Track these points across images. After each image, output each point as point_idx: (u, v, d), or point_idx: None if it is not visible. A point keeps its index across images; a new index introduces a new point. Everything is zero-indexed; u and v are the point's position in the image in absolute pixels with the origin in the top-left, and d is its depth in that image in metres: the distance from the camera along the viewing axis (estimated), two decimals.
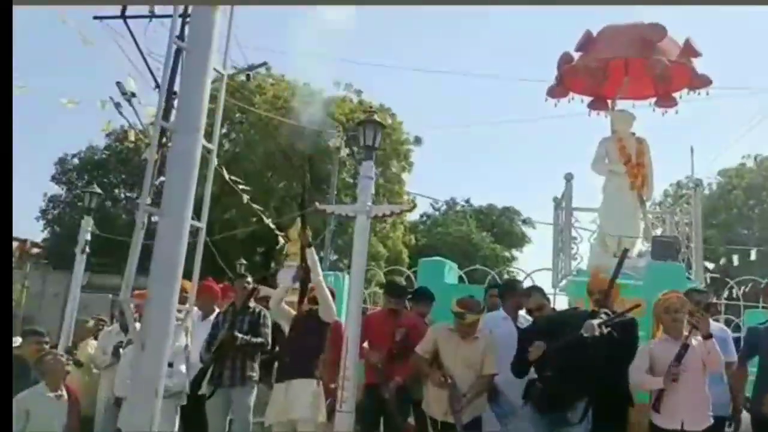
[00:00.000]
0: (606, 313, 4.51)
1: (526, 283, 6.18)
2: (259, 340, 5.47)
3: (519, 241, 32.46)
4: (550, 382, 4.55)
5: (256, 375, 5.46)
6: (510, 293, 5.47)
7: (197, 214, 3.01)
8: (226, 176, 10.53)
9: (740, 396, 4.94)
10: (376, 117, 4.50)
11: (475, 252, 26.50)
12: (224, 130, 20.37)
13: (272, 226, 12.34)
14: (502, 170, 55.86)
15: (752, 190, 27.09)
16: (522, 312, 5.46)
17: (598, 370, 4.56)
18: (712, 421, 4.52)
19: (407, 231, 23.25)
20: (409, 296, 5.70)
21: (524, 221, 32.15)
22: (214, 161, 3.24)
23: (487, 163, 53.82)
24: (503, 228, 32.01)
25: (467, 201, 32.05)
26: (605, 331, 4.35)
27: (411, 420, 5.24)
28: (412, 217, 28.59)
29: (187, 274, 3.05)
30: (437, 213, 32.31)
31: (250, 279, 5.63)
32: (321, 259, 11.52)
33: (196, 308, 6.01)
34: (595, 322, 4.37)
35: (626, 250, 5.01)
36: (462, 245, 27.48)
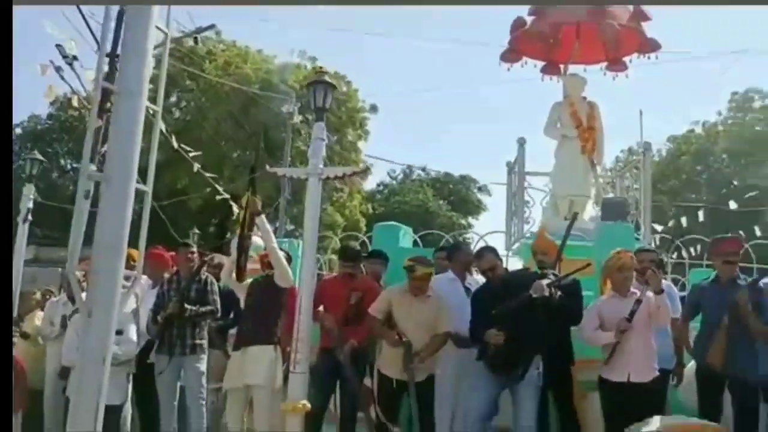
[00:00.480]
0: (554, 274, 4.59)
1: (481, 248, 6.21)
2: (209, 308, 5.40)
3: (475, 208, 32.84)
4: (503, 341, 4.62)
5: (205, 342, 5.41)
6: (457, 254, 5.50)
7: (143, 178, 2.93)
8: (175, 144, 10.21)
9: (683, 350, 5.10)
10: (326, 77, 4.41)
11: (432, 220, 26.66)
12: (174, 98, 19.84)
13: (225, 194, 12.09)
14: (458, 137, 56.18)
15: (700, 156, 27.85)
16: (472, 274, 5.53)
17: (547, 329, 4.67)
18: (657, 373, 4.69)
19: (364, 200, 23.23)
20: (364, 258, 5.70)
21: (480, 189, 32.48)
22: (160, 123, 3.14)
23: (442, 130, 54.01)
24: (460, 196, 32.30)
25: (424, 169, 32.18)
26: (554, 291, 4.43)
27: (367, 382, 5.26)
28: (369, 185, 28.63)
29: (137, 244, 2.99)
30: (394, 182, 32.38)
31: (194, 249, 5.52)
32: (276, 229, 11.48)
33: (145, 276, 5.93)
34: (544, 282, 4.44)
35: (576, 214, 5.10)
36: (419, 213, 27.62)
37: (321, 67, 4.40)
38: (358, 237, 8.81)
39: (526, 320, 4.48)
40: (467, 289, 5.33)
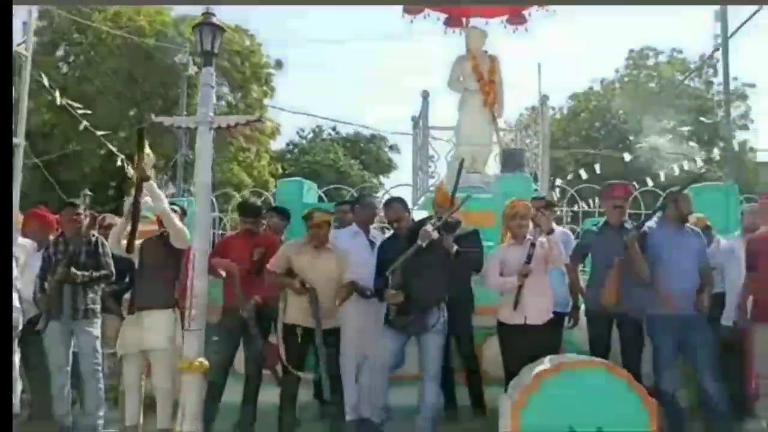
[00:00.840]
0: (439, 218, 4.62)
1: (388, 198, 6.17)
2: (102, 272, 5.10)
3: (386, 167, 32.96)
4: (406, 290, 4.64)
5: (98, 306, 5.13)
6: (360, 207, 5.46)
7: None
8: (59, 100, 9.44)
9: (578, 294, 5.29)
10: (214, 19, 4.14)
11: (344, 179, 26.53)
12: (61, 52, 18.37)
13: (118, 154, 11.44)
14: (365, 91, 55.96)
15: (598, 113, 29.04)
16: (373, 226, 5.51)
17: (447, 278, 4.74)
18: (552, 315, 4.87)
19: (273, 160, 22.71)
20: (265, 213, 5.55)
21: (391, 147, 32.59)
22: (29, 63, 2.84)
23: (351, 85, 53.51)
24: (371, 155, 32.28)
25: (334, 129, 31.85)
26: (443, 234, 4.49)
27: (273, 339, 5.17)
28: (278, 145, 28.02)
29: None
30: (304, 141, 31.89)
31: (81, 209, 5.16)
32: (178, 188, 11.06)
33: (28, 240, 5.53)
34: (428, 227, 4.47)
35: (463, 160, 5.13)
36: (330, 173, 27.40)
37: (208, 9, 4.12)
38: (262, 194, 8.59)
39: (424, 272, 4.52)
40: (371, 242, 5.31)
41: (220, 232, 7.94)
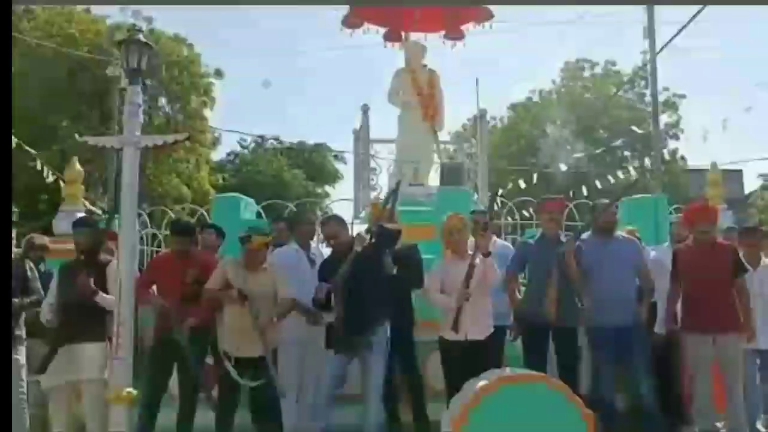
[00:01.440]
0: (379, 226, 4.63)
1: (325, 216, 6.12)
2: (33, 297, 4.86)
3: (332, 177, 32.73)
4: (348, 309, 4.59)
5: (22, 332, 4.87)
6: (298, 225, 5.38)
7: None
8: None
9: (517, 305, 5.32)
10: (141, 36, 4.01)
11: (288, 190, 26.25)
12: None
13: (48, 168, 10.99)
14: (309, 104, 55.81)
15: (537, 123, 29.68)
16: (313, 242, 5.44)
17: (388, 293, 4.71)
18: (492, 330, 4.91)
19: (213, 171, 22.22)
20: (199, 231, 5.40)
21: (336, 157, 32.40)
22: None
23: (293, 97, 53.23)
24: (315, 165, 32.00)
25: (277, 138, 31.41)
26: (383, 251, 4.54)
27: (210, 361, 5.02)
28: (218, 155, 27.50)
29: None
30: (246, 151, 31.35)
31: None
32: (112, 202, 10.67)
33: None
34: (362, 232, 4.56)
35: (399, 182, 5.18)
36: (274, 184, 27.05)
37: (134, 25, 3.99)
38: (197, 210, 8.38)
39: (366, 291, 4.50)
40: (312, 260, 5.23)
41: (157, 249, 7.69)
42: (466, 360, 4.71)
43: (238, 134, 28.80)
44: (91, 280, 4.30)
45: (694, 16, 10.22)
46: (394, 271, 4.76)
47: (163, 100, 18.66)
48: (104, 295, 4.34)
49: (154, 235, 7.84)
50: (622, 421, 5.14)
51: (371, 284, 4.55)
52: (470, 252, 4.81)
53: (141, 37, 4.00)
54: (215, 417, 4.62)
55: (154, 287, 4.88)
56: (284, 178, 28.02)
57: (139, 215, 7.97)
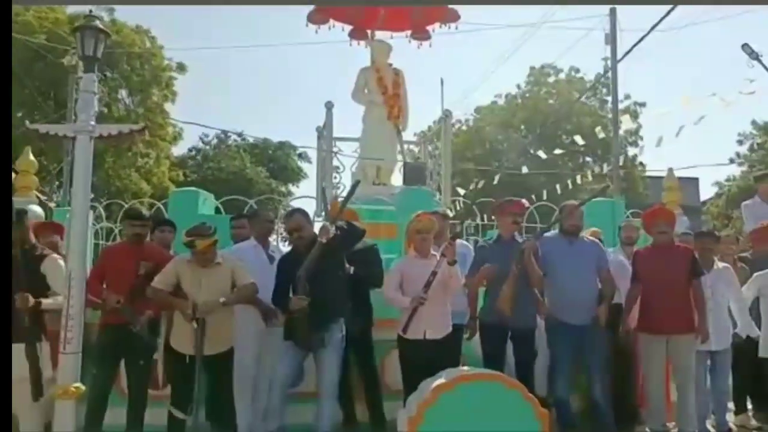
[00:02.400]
0: (348, 223, 4.67)
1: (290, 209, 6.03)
2: None
3: (295, 175, 32.48)
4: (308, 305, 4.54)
5: None
6: (256, 220, 5.30)
7: None
8: None
9: (474, 306, 5.33)
10: (97, 23, 3.88)
11: (251, 187, 25.93)
12: None
13: None
14: (272, 101, 55.36)
15: (502, 126, 30.01)
16: (272, 239, 5.38)
17: (345, 290, 4.70)
18: (450, 329, 4.92)
19: (174, 166, 21.80)
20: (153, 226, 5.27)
21: (300, 155, 32.18)
22: None
23: (256, 93, 52.71)
24: (279, 163, 31.71)
25: (240, 135, 31.07)
26: (337, 230, 4.51)
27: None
28: (180, 150, 27.04)
29: None
30: (208, 147, 30.92)
31: None
32: (64, 196, 10.40)
33: None
34: (326, 223, 4.49)
35: (358, 182, 5.16)
36: (236, 181, 26.70)
37: (91, 11, 3.87)
38: (153, 203, 8.20)
39: (324, 287, 4.46)
40: (270, 257, 5.16)
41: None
42: (424, 358, 4.71)
43: (200, 129, 28.32)
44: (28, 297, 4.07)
45: (656, 25, 10.45)
46: (351, 271, 4.72)
47: (123, 93, 18.24)
48: (48, 300, 4.12)
49: (110, 231, 7.65)
50: (577, 421, 5.22)
51: (330, 280, 4.52)
52: (434, 253, 4.82)
53: (98, 23, 3.87)
54: (167, 415, 4.50)
55: (104, 284, 4.70)
56: (247, 176, 27.70)
57: (94, 209, 7.78)
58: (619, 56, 13.97)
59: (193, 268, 4.45)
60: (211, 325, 4.39)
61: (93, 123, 3.76)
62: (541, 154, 17.14)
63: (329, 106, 8.74)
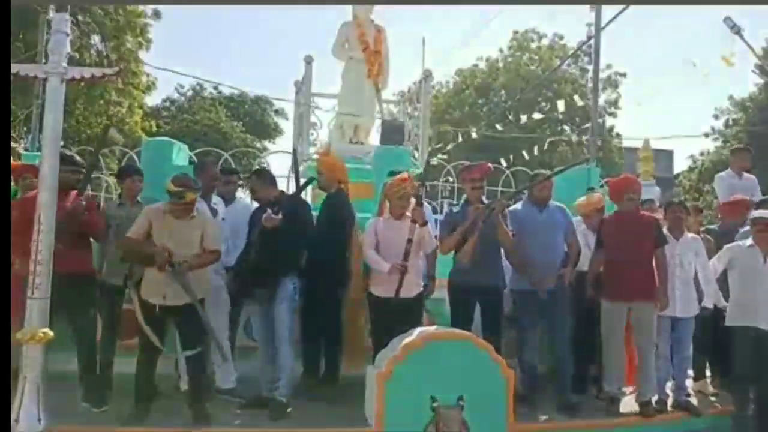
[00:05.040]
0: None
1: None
2: None
3: (272, 132, 32.04)
4: (257, 260, 4.68)
5: None
6: (203, 176, 5.13)
7: None
8: None
9: (433, 266, 5.35)
10: None
11: (226, 142, 25.50)
12: None
13: None
14: (248, 52, 54.20)
15: (482, 90, 29.88)
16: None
17: (297, 246, 4.78)
18: (422, 288, 5.02)
19: (147, 117, 21.30)
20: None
21: (277, 111, 31.72)
22: None
23: (234, 44, 51.52)
24: (255, 118, 31.21)
25: (216, 87, 30.43)
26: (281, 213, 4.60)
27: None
28: (153, 101, 26.41)
29: None
30: (183, 99, 30.23)
31: None
32: (33, 141, 10.11)
33: None
34: (268, 213, 4.59)
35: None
36: (211, 134, 26.25)
37: None
38: (126, 152, 8.04)
39: (275, 243, 4.55)
40: (213, 210, 5.13)
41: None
42: (395, 316, 4.77)
43: (175, 80, 27.50)
44: None
45: None
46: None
47: (96, 38, 17.62)
48: None
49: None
50: (540, 382, 5.36)
51: (283, 240, 4.58)
52: (407, 214, 4.85)
53: None
54: (136, 363, 4.48)
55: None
56: (222, 129, 27.23)
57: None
58: (603, 24, 13.97)
59: (166, 218, 4.40)
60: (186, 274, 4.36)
61: (65, 65, 3.64)
62: (522, 117, 17.15)
63: (308, 60, 8.61)
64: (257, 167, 5.19)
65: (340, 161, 5.46)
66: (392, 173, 5.25)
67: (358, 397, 4.58)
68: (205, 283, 4.59)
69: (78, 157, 4.73)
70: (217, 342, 4.51)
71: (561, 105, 14.76)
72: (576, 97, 18.61)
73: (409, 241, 4.75)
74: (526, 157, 14.47)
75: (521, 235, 5.05)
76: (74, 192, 4.54)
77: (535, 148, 14.72)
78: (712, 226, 6.70)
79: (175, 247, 4.32)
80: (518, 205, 5.38)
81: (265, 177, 4.98)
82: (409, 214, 4.87)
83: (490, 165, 5.27)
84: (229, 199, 5.44)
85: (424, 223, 4.81)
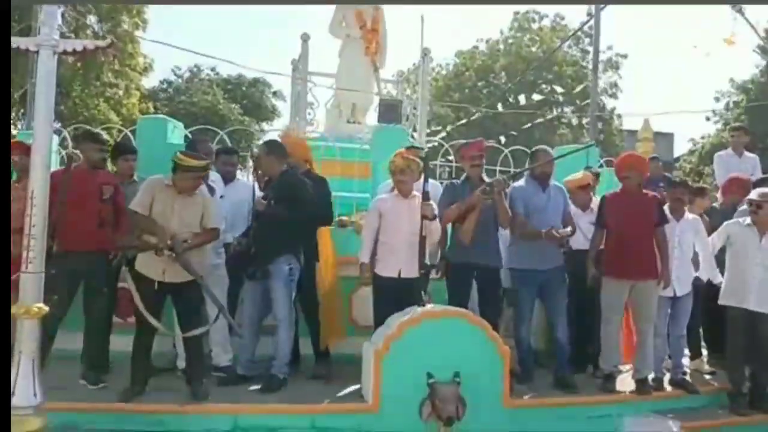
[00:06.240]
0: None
1: None
2: None
3: (269, 114, 31.87)
4: (254, 239, 4.72)
5: None
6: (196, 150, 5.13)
7: None
8: None
9: (445, 245, 5.34)
10: None
11: (223, 124, 25.37)
12: None
13: None
14: (247, 32, 53.75)
15: (482, 72, 29.70)
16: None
17: (291, 226, 4.72)
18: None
19: (144, 98, 21.14)
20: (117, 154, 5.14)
21: (275, 93, 31.54)
22: None
23: (232, 24, 51.10)
24: (253, 100, 31.02)
25: (213, 69, 30.25)
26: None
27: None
28: (151, 83, 26.23)
29: None
30: (180, 80, 30.03)
31: None
32: (29, 119, 10.04)
33: None
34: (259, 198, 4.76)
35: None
36: (208, 116, 26.09)
37: None
38: (121, 130, 7.99)
39: (270, 224, 4.60)
40: (210, 188, 5.10)
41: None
42: (397, 295, 4.75)
43: (172, 62, 27.27)
44: None
45: None
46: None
47: (92, 19, 17.47)
48: None
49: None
50: (537, 358, 5.36)
51: (277, 222, 4.59)
52: (415, 193, 4.84)
53: None
54: (133, 340, 4.47)
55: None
56: (220, 111, 27.07)
57: (59, 132, 7.53)
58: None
59: (169, 192, 4.36)
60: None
61: (57, 37, 3.58)
62: (521, 99, 17.06)
63: (305, 38, 8.52)
64: (267, 139, 5.13)
65: (303, 141, 5.48)
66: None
67: (352, 375, 4.59)
68: (206, 260, 4.57)
69: (103, 135, 4.73)
70: (228, 319, 4.50)
71: (561, 87, 14.65)
72: (576, 79, 18.48)
73: (423, 237, 4.71)
74: (523, 136, 14.37)
75: (527, 211, 5.07)
76: (102, 171, 4.56)
77: (536, 132, 14.68)
78: (714, 204, 6.69)
79: (177, 224, 4.30)
80: (521, 182, 5.33)
81: (272, 147, 4.91)
82: (416, 192, 4.83)
83: (483, 142, 5.25)
84: (229, 178, 5.40)
85: (434, 218, 4.75)
